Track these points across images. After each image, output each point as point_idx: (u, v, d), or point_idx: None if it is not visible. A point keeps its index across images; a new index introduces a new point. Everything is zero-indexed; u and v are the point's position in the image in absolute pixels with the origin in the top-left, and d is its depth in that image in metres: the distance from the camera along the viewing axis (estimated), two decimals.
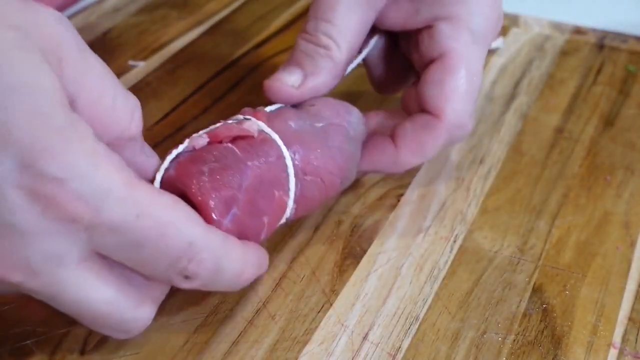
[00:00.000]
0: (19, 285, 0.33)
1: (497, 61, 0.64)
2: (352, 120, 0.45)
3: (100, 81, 0.35)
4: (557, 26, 0.68)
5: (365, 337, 0.41)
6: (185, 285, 0.36)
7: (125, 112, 0.36)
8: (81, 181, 0.31)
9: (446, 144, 0.46)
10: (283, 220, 0.41)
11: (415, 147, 0.45)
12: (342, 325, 0.42)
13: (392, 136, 0.46)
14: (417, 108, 0.46)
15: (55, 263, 0.33)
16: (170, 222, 0.34)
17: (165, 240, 0.34)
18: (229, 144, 0.39)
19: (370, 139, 0.47)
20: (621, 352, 0.41)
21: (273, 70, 0.45)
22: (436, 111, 0.45)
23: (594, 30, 0.68)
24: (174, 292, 0.43)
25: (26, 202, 0.31)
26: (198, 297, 0.43)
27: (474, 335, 0.41)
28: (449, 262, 0.45)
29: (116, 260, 0.34)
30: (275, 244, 0.46)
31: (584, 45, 0.66)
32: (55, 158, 0.31)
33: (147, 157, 0.38)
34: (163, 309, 0.42)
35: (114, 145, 0.35)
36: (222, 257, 0.36)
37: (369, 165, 0.47)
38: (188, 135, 0.39)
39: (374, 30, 0.48)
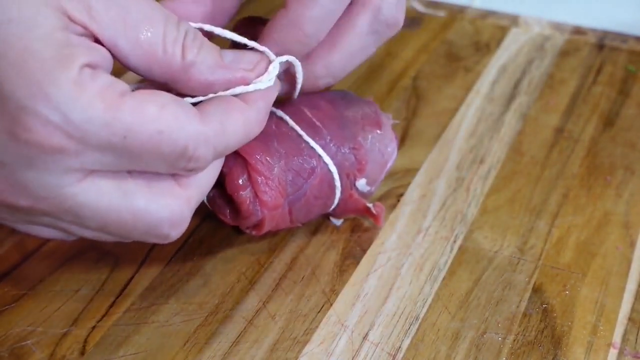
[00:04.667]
0: (32, 209, 0.34)
1: (497, 61, 0.64)
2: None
3: (141, 17, 0.34)
4: (557, 26, 0.68)
5: (365, 337, 0.41)
6: (192, 174, 0.36)
7: (176, 47, 0.35)
8: (60, 113, 0.31)
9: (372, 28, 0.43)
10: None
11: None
12: (342, 325, 0.42)
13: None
14: None
15: (55, 188, 0.33)
16: (160, 132, 0.33)
17: (159, 151, 0.34)
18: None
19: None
20: (621, 352, 0.41)
21: None
22: None
23: (594, 30, 0.68)
24: (173, 291, 0.43)
25: (7, 135, 0.32)
26: (198, 297, 0.43)
27: (474, 335, 0.41)
28: (449, 262, 0.45)
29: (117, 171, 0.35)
30: (275, 244, 0.46)
31: (584, 45, 0.66)
32: (34, 90, 0.31)
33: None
34: (163, 309, 0.42)
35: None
36: (221, 142, 0.36)
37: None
38: None
39: None
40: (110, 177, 0.34)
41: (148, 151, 0.33)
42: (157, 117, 0.33)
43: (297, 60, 0.41)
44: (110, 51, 0.34)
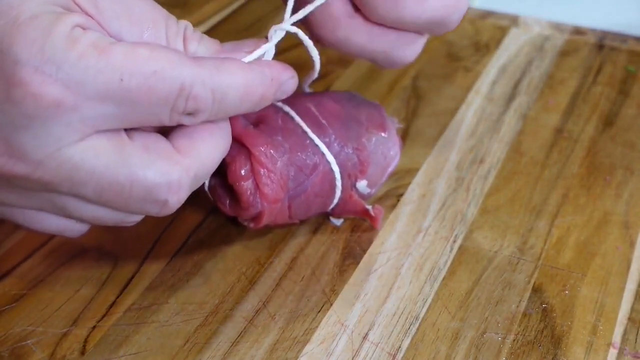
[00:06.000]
0: (29, 178, 0.34)
1: (497, 61, 0.64)
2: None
3: (144, 15, 0.35)
4: (557, 26, 0.68)
5: (365, 337, 0.41)
6: (193, 121, 0.36)
7: (178, 40, 0.36)
8: (54, 64, 0.32)
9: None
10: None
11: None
12: (342, 325, 0.42)
13: None
14: None
15: (53, 148, 0.33)
16: (154, 72, 0.33)
17: (156, 92, 0.34)
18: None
19: None
20: (621, 352, 0.41)
21: None
22: None
23: (594, 31, 0.68)
24: (173, 291, 0.43)
25: (3, 94, 0.32)
26: (198, 296, 0.43)
27: (473, 335, 0.41)
28: (449, 262, 0.45)
29: (118, 127, 0.35)
30: (275, 244, 0.46)
31: (584, 45, 0.66)
32: (28, 44, 0.32)
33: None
34: (163, 309, 0.42)
35: None
36: (218, 85, 0.35)
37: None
38: None
39: None
40: (109, 138, 0.34)
41: (146, 93, 0.33)
42: (150, 58, 0.34)
43: (303, 34, 0.41)
44: None
